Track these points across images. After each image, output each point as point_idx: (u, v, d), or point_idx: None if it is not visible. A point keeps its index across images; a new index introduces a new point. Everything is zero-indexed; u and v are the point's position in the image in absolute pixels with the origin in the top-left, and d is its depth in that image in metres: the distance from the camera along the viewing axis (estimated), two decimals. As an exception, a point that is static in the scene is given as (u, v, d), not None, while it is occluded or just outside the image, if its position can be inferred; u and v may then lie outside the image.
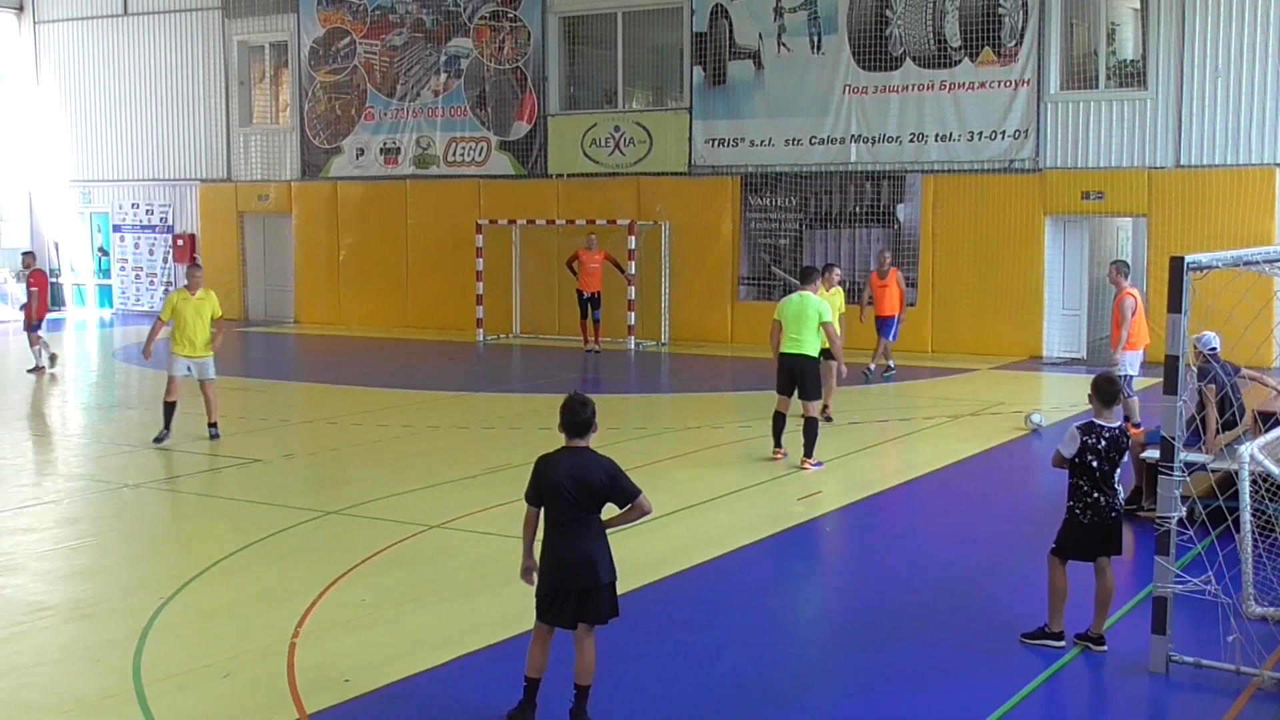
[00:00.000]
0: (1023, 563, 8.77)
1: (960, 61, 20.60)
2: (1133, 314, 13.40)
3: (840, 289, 15.43)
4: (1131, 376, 13.50)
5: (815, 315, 11.83)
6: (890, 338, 18.12)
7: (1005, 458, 13.02)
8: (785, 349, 11.91)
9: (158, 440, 13.41)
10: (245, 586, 8.51)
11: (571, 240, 22.96)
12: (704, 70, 22.55)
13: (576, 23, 24.35)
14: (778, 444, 12.25)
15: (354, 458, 13.04)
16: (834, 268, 15.47)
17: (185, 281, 14.11)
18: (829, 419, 14.33)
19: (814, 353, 11.92)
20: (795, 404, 12.19)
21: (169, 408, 13.49)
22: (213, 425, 13.77)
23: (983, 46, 20.43)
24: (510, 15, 24.33)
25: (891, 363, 18.23)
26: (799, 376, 11.92)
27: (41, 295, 20.02)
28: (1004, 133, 20.36)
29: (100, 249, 29.80)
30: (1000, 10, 20.25)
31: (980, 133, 20.54)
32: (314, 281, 26.72)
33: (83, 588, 8.73)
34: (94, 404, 17.68)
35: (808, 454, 11.93)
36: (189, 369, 13.63)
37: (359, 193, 26.08)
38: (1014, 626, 7.39)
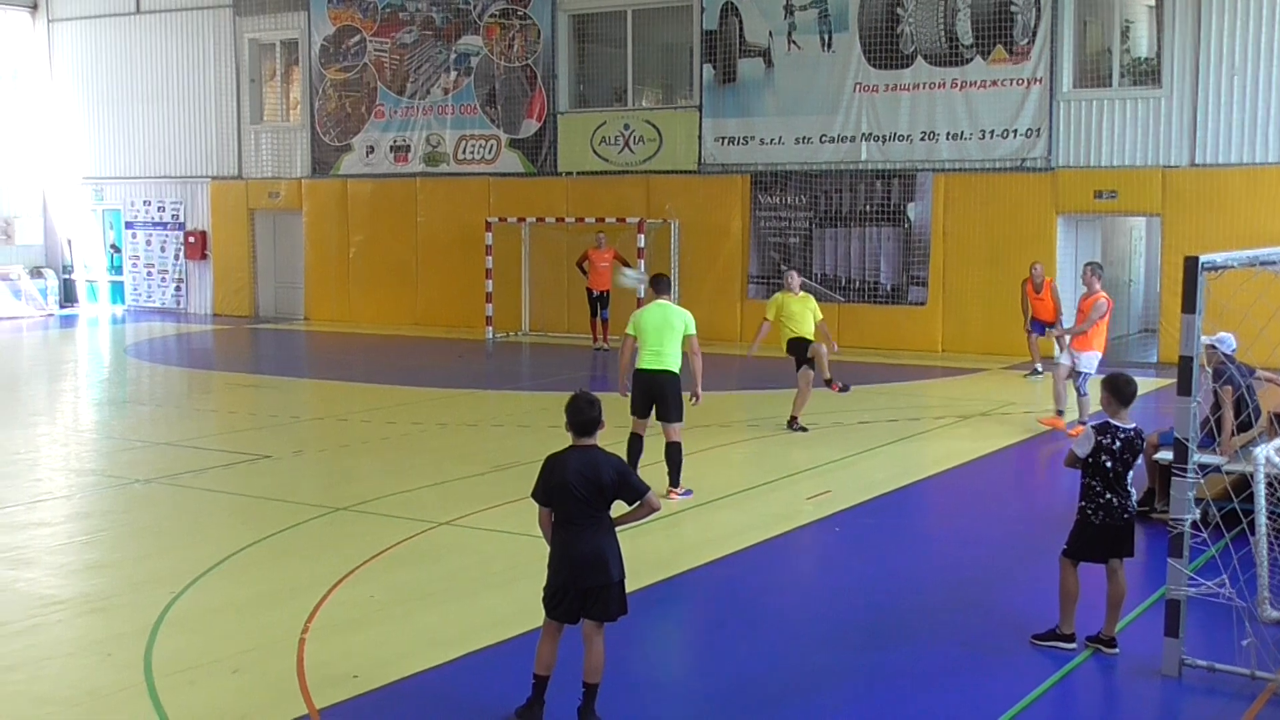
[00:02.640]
0: (1033, 564, 8.75)
1: (972, 59, 20.54)
2: (1101, 317, 13.49)
3: (811, 295, 14.28)
4: (1088, 376, 13.57)
5: (681, 326, 10.56)
6: (1042, 334, 17.94)
7: (1016, 458, 12.98)
8: (645, 364, 10.54)
9: None
10: (255, 582, 8.52)
11: (581, 239, 22.94)
12: (714, 68, 22.53)
13: (586, 20, 24.33)
14: None
15: (363, 454, 13.05)
16: (793, 271, 14.52)
17: None
18: (803, 429, 13.64)
19: (677, 369, 10.60)
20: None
21: None
22: None
23: (995, 44, 20.37)
24: (520, 13, 24.32)
25: (1039, 366, 17.94)
26: (658, 395, 10.54)
27: None
28: (1016, 131, 20.29)
29: (112, 246, 29.85)
30: (1013, 8, 20.19)
31: (992, 131, 20.48)
32: (324, 278, 26.75)
33: (94, 582, 8.75)
34: (106, 400, 17.71)
35: (674, 482, 10.63)
36: None
37: (369, 190, 26.10)
38: (1024, 628, 7.35)
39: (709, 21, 22.50)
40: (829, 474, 11.89)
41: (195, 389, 18.60)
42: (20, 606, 8.01)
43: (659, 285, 11.02)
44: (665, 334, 10.53)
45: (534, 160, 24.41)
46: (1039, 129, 20.14)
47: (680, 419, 10.68)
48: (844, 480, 11.61)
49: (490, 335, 23.60)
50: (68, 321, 27.61)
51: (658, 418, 10.62)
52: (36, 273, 29.23)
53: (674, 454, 10.64)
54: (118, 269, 29.76)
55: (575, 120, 24.04)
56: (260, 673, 6.81)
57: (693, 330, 10.65)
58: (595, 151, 23.74)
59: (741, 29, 22.27)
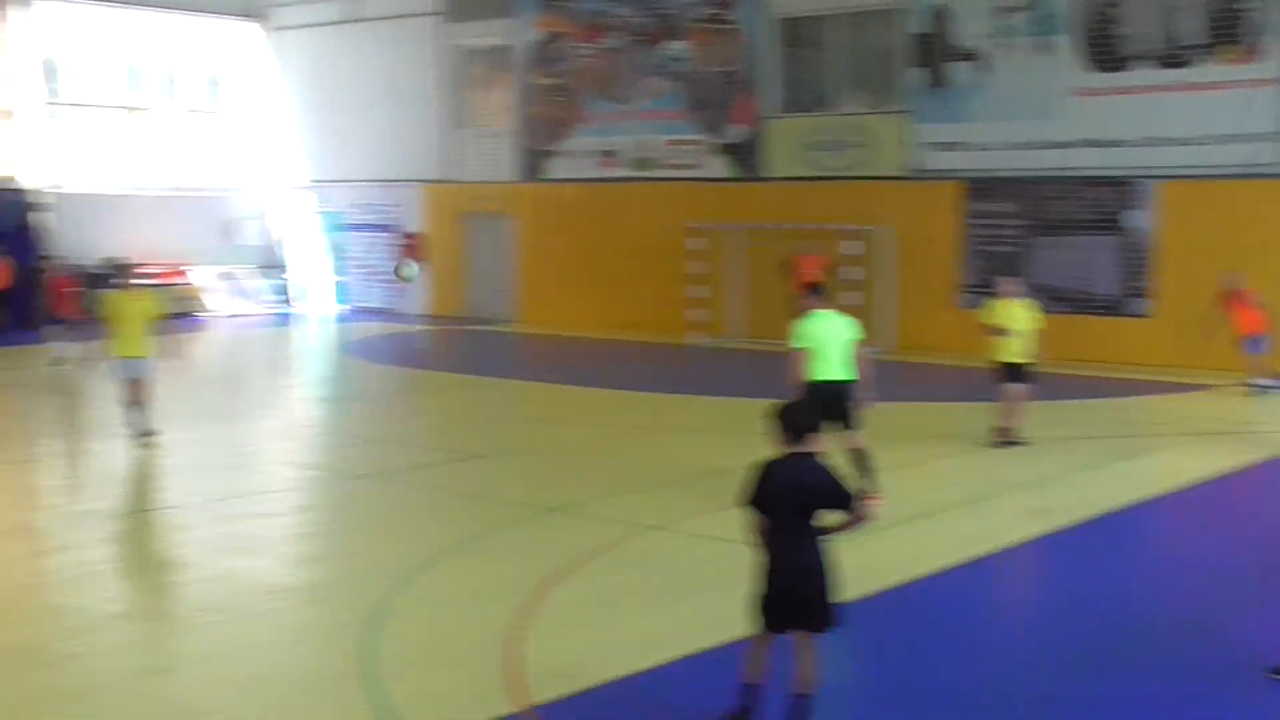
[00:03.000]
0: (1273, 592, 8.23)
1: (1197, 60, 19.52)
2: None
3: (1030, 301, 13.81)
4: None
5: (849, 333, 10.53)
6: (1260, 351, 17.23)
7: (1252, 480, 12.25)
8: (826, 375, 10.32)
9: (148, 435, 12.93)
10: (469, 577, 8.72)
11: (788, 245, 22.77)
12: (924, 72, 22.06)
13: (793, 24, 24.14)
14: None
15: (573, 456, 13.22)
16: (1005, 280, 14.22)
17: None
18: (1020, 443, 13.13)
19: (856, 375, 10.53)
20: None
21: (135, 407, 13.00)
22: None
23: (1223, 43, 19.31)
24: (726, 18, 24.32)
25: (1266, 380, 17.13)
26: (841, 405, 10.33)
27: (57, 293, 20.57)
28: (1247, 136, 19.20)
29: (332, 248, 31.10)
30: (1239, 4, 19.08)
31: (1220, 136, 19.42)
32: (533, 281, 27.26)
33: (315, 572, 9.13)
34: (326, 396, 18.45)
35: (871, 488, 10.43)
36: (134, 369, 13.01)
37: (576, 194, 26.49)
38: (1259, 660, 6.90)
39: (919, 24, 22.05)
40: (1046, 490, 11.46)
41: (412, 388, 19.20)
42: (246, 594, 8.42)
43: (819, 293, 10.92)
44: (838, 342, 10.50)
45: (741, 165, 24.35)
46: (1274, 133, 19.01)
47: (860, 425, 10.59)
48: (1061, 497, 11.17)
49: (698, 340, 23.61)
50: (290, 320, 28.92)
51: (844, 426, 10.43)
52: (260, 272, 30.69)
53: (864, 460, 10.54)
54: (337, 270, 30.98)
55: (782, 125, 23.89)
56: (475, 666, 6.96)
57: (860, 334, 10.65)
58: (802, 157, 23.54)
59: (953, 32, 21.75)
